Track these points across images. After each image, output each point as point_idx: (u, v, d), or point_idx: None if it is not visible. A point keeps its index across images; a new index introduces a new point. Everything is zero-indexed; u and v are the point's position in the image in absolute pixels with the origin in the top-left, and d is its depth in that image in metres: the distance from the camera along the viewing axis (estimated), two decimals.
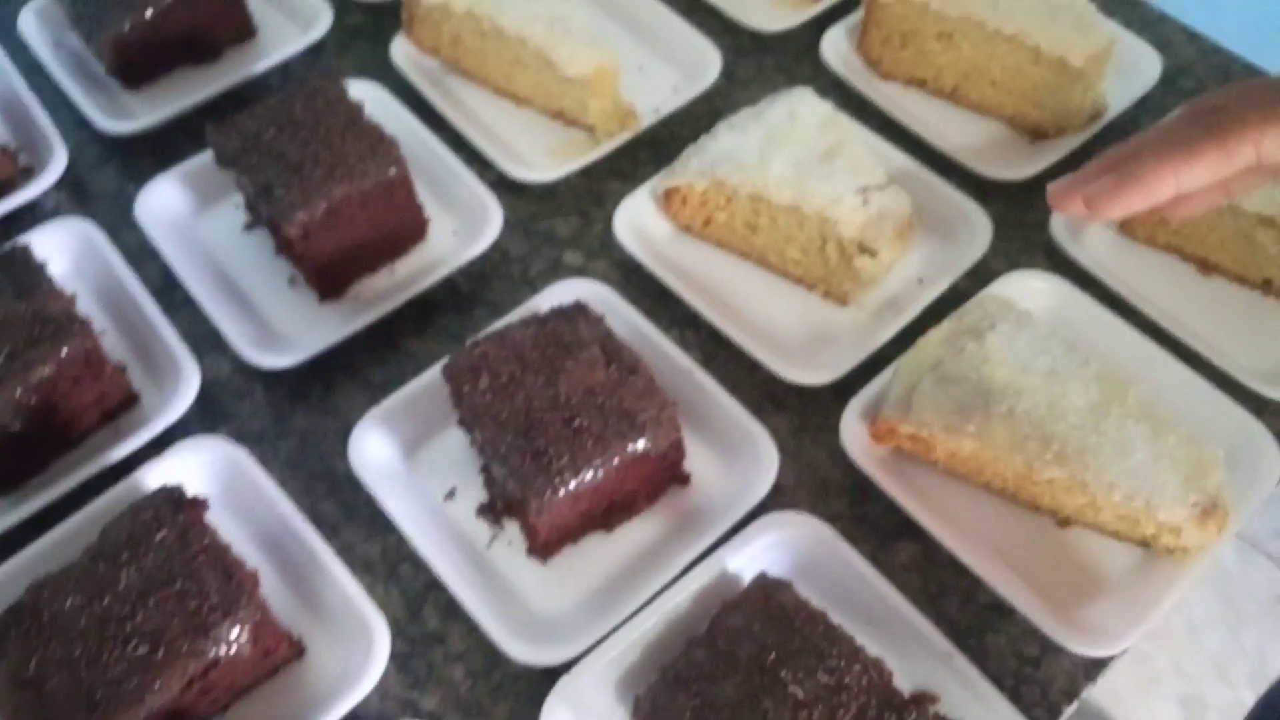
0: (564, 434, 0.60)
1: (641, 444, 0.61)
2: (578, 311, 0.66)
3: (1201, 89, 0.85)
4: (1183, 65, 0.87)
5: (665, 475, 0.65)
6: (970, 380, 0.62)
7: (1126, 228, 0.76)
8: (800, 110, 0.74)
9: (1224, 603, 1.57)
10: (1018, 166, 0.79)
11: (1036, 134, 0.82)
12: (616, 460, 0.60)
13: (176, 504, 0.57)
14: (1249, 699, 1.45)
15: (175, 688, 0.53)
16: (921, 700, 0.56)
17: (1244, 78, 0.86)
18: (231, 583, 0.55)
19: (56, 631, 0.54)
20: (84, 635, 0.54)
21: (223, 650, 0.54)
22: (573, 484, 0.59)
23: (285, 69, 0.87)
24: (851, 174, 0.69)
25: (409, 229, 0.76)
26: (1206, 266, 0.75)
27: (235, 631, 0.54)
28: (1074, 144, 0.80)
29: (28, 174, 0.79)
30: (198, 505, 0.58)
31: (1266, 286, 0.74)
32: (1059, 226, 0.75)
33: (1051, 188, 0.53)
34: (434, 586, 0.63)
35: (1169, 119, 0.52)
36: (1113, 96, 0.82)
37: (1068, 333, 0.66)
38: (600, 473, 0.60)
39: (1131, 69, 0.84)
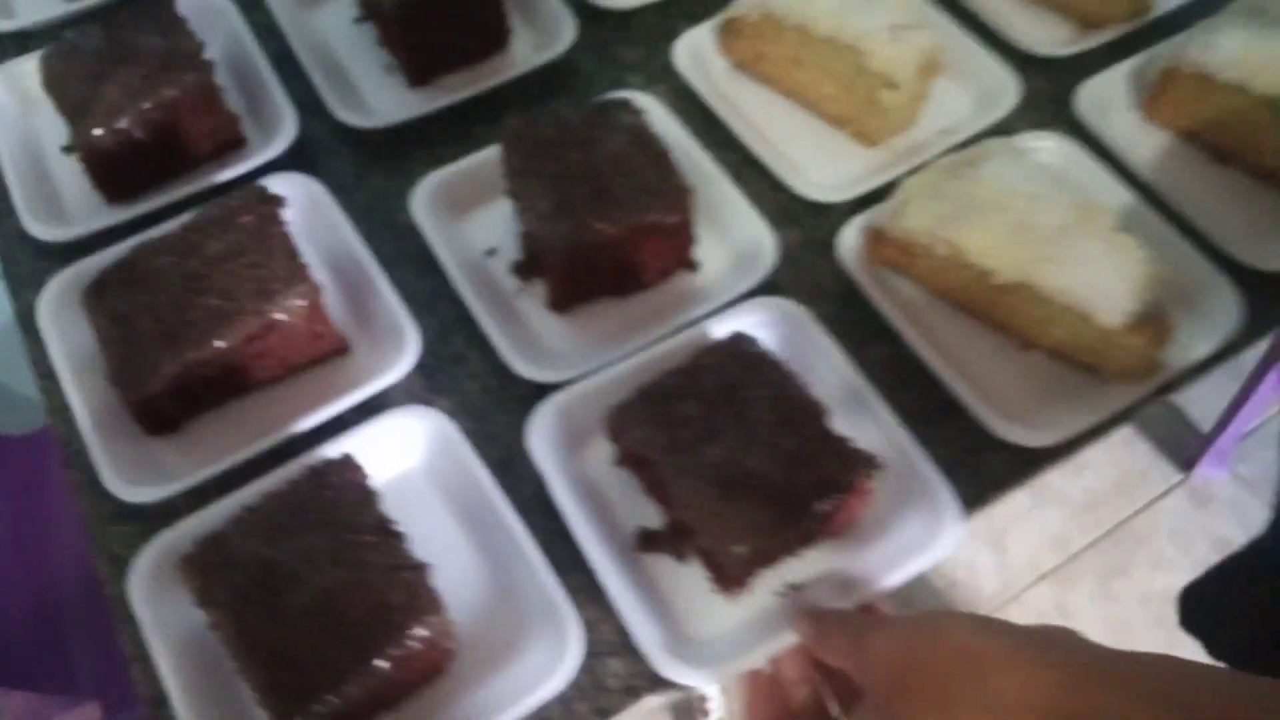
0: (590, 195, 0.70)
1: (654, 215, 0.70)
2: (621, 104, 0.75)
3: None
4: None
5: (676, 254, 0.74)
6: (957, 198, 0.69)
7: (1151, 111, 0.81)
8: None
9: None
10: (1057, 45, 0.84)
11: (1087, 23, 0.87)
12: (632, 223, 0.69)
13: (261, 197, 0.69)
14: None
15: (238, 337, 0.65)
16: (863, 456, 0.63)
17: None
18: (295, 264, 0.67)
19: (149, 281, 0.66)
20: (169, 286, 0.66)
21: (281, 315, 0.65)
22: (588, 236, 0.68)
23: None
24: (887, 12, 0.76)
25: (494, 34, 0.86)
26: (1222, 155, 0.80)
27: (293, 302, 0.66)
28: (1117, 33, 0.85)
29: None
30: (278, 200, 0.69)
31: (1271, 178, 0.78)
32: (1085, 100, 0.81)
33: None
34: (465, 320, 0.73)
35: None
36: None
37: (1068, 184, 0.72)
38: (615, 228, 0.69)
39: None
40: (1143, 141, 0.81)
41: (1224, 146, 0.79)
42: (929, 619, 0.49)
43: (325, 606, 0.55)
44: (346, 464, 0.61)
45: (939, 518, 0.63)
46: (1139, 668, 0.43)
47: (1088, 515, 1.58)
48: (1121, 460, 1.62)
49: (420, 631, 0.55)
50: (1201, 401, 1.60)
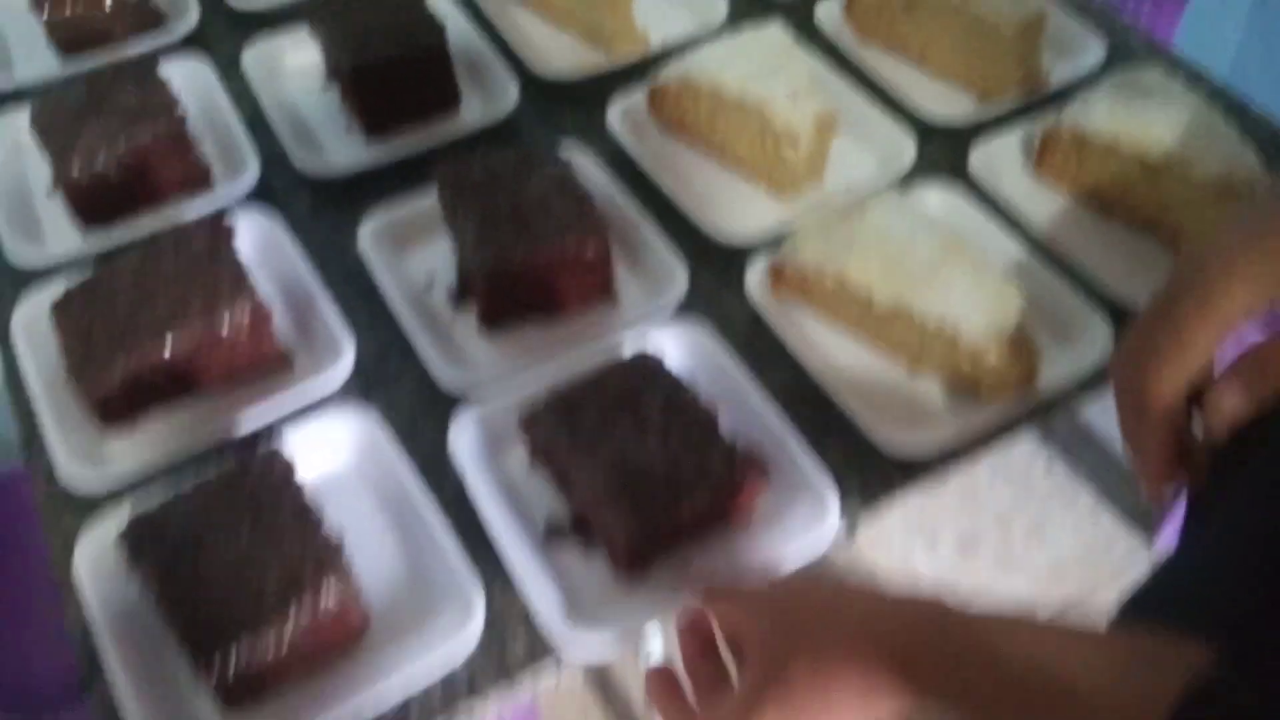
0: (513, 228, 0.77)
1: (568, 247, 0.77)
2: (546, 153, 0.83)
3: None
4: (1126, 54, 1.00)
5: (596, 285, 0.81)
6: (843, 237, 0.77)
7: (1039, 169, 0.89)
8: (768, 37, 0.90)
9: None
10: (955, 114, 0.93)
11: (984, 95, 0.96)
12: (547, 252, 0.76)
13: (214, 226, 0.77)
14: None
15: (184, 343, 0.72)
16: (746, 454, 0.69)
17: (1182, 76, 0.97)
18: (241, 283, 0.74)
19: (109, 295, 0.73)
20: (127, 299, 0.73)
21: (222, 328, 0.72)
22: (508, 262, 0.76)
23: None
24: (787, 80, 0.85)
25: (444, 96, 0.95)
26: (1105, 208, 0.87)
27: (236, 315, 0.73)
28: (1013, 105, 0.94)
29: None
30: (228, 229, 0.77)
31: (1151, 226, 0.85)
32: (978, 161, 0.89)
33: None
34: (401, 342, 0.79)
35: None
36: (1057, 74, 0.96)
37: (950, 229, 0.80)
38: (531, 257, 0.76)
39: (1078, 51, 0.98)
40: (1033, 198, 0.88)
41: (1105, 201, 0.87)
42: (803, 577, 0.56)
43: (241, 573, 0.61)
44: (273, 457, 0.67)
45: (822, 514, 0.68)
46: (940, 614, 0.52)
47: (1054, 586, 1.61)
48: (1084, 532, 1.66)
49: (326, 595, 0.60)
50: None
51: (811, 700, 0.53)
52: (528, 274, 0.77)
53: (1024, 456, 1.75)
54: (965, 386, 0.75)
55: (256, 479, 0.65)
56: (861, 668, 0.52)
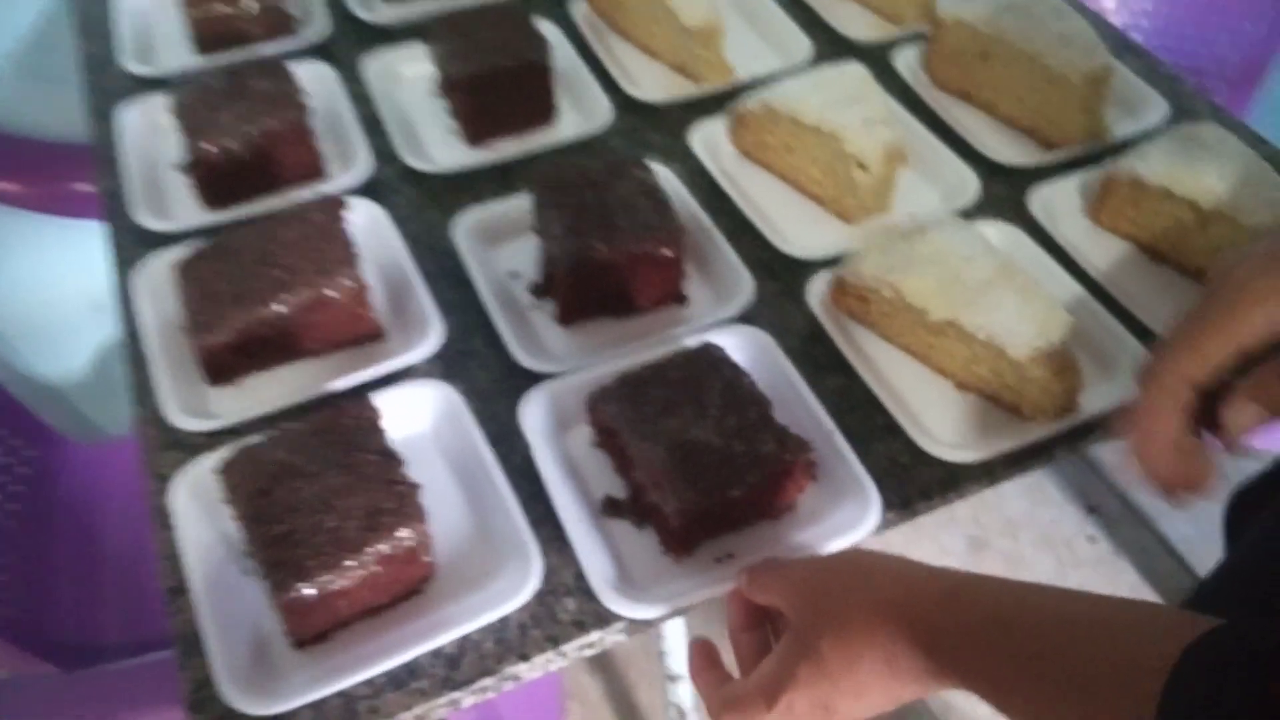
0: (598, 225, 0.84)
1: (648, 245, 0.83)
2: (635, 160, 0.90)
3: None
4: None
5: (667, 286, 0.87)
6: (903, 254, 0.82)
7: (1095, 215, 0.94)
8: (847, 72, 0.97)
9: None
10: (1019, 157, 0.98)
11: (1048, 144, 1.01)
12: (630, 249, 0.83)
13: (329, 201, 0.84)
14: (1029, 554, 1.71)
15: (294, 304, 0.79)
16: (797, 441, 0.74)
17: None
18: (349, 254, 0.81)
19: (230, 256, 0.81)
20: (246, 260, 0.81)
21: (331, 292, 0.80)
22: (591, 256, 0.82)
23: None
24: (862, 109, 0.91)
25: (542, 111, 1.03)
26: (1157, 255, 0.91)
27: (342, 281, 0.80)
28: (1074, 153, 0.99)
29: None
30: (341, 204, 0.85)
31: (1200, 275, 0.89)
32: (1037, 202, 0.94)
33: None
34: (485, 326, 0.86)
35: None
36: (1120, 129, 1.01)
37: (1006, 257, 0.84)
38: (613, 253, 0.82)
39: (1143, 109, 1.03)
40: (1089, 240, 0.93)
41: (1158, 247, 0.91)
42: (836, 553, 0.61)
43: (328, 501, 0.67)
44: (363, 403, 0.73)
45: (863, 514, 0.73)
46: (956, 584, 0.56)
47: None
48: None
49: (404, 534, 0.67)
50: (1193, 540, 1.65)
51: (840, 673, 0.56)
52: (608, 268, 0.83)
53: (1069, 526, 1.76)
54: (1009, 404, 0.79)
55: (348, 424, 0.72)
56: (885, 640, 0.55)
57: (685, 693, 1.34)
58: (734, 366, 0.77)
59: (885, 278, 0.80)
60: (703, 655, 0.66)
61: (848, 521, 0.73)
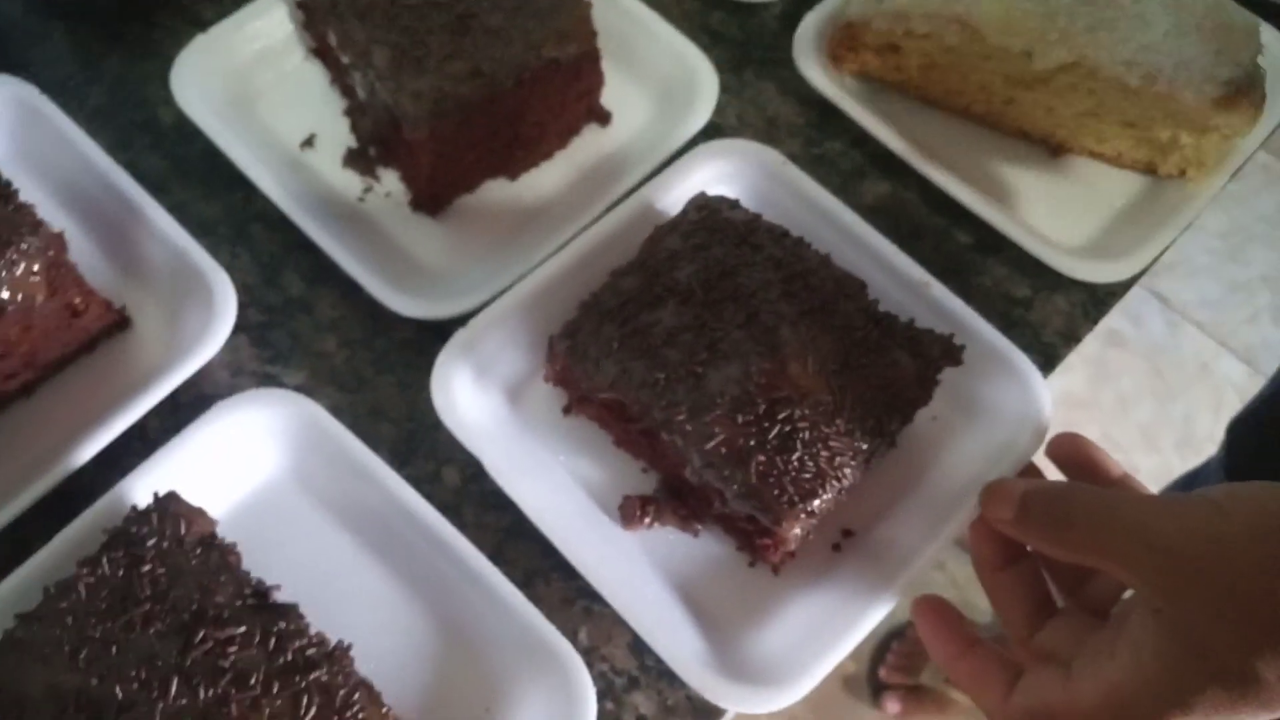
0: (446, 34, 0.47)
1: (546, 49, 0.48)
2: None
3: None
4: None
5: (578, 104, 0.53)
6: None
7: None
8: None
9: (1153, 375, 1.53)
10: None
11: None
12: (515, 65, 0.47)
13: None
14: (1176, 464, 1.43)
15: None
16: (939, 342, 0.45)
17: None
18: (17, 220, 0.42)
19: None
20: None
21: (5, 293, 0.41)
22: (456, 94, 0.46)
23: None
24: None
25: None
26: None
27: (15, 266, 0.41)
28: None
29: None
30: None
31: None
32: None
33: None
34: (296, 248, 0.50)
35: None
36: None
37: None
38: (492, 78, 0.47)
39: None
40: None
41: None
42: (1205, 499, 0.34)
43: None
44: (171, 505, 0.38)
45: (1026, 391, 0.46)
46: None
47: None
48: None
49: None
50: None
51: None
52: (487, 108, 0.47)
53: None
54: (1142, 162, 0.53)
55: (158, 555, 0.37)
56: None
57: None
58: (771, 231, 0.46)
59: (944, 11, 0.49)
60: (942, 622, 0.40)
61: (1017, 420, 0.46)
